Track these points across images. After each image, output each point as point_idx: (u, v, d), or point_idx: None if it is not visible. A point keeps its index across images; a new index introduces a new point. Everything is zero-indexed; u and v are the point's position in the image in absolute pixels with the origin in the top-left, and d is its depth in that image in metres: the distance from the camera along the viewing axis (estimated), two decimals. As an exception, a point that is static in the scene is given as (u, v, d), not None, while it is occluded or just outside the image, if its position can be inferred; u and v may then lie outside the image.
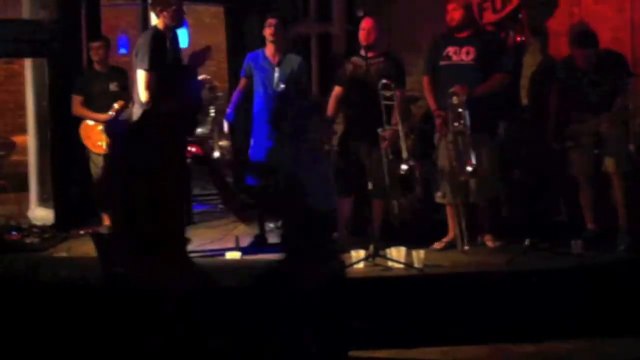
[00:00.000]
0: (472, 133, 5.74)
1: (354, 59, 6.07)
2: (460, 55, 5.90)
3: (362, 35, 6.01)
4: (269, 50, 6.21)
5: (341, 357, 4.15)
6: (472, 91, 5.75)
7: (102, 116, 6.77)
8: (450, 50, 5.93)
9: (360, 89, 5.98)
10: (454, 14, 5.92)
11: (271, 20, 6.16)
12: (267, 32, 6.17)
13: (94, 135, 6.80)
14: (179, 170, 4.13)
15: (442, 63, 5.96)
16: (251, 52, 6.37)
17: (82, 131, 6.85)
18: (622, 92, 5.92)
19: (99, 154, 6.76)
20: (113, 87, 6.58)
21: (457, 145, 5.83)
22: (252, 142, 6.27)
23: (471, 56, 5.88)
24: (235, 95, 6.33)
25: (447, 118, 5.82)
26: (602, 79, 5.91)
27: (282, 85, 6.11)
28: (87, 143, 6.84)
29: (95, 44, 6.92)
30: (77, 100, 6.84)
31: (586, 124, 5.96)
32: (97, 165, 6.78)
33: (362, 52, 5.97)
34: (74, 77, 6.95)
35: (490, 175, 5.91)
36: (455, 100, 5.75)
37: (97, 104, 6.82)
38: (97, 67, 6.91)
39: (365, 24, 6.03)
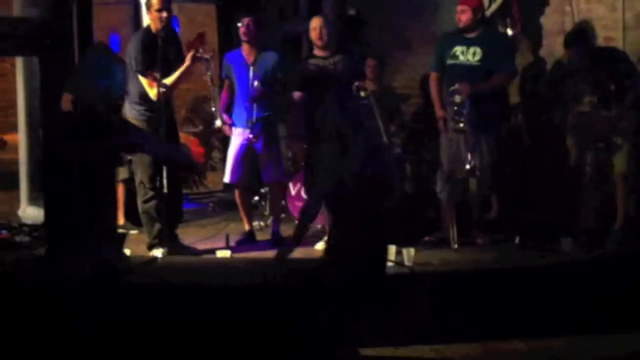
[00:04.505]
0: (472, 131, 5.74)
1: (312, 61, 6.04)
2: (467, 55, 5.91)
3: (314, 35, 6.00)
4: (245, 49, 6.20)
5: (330, 355, 4.15)
6: (473, 89, 5.74)
7: None
8: (458, 49, 5.94)
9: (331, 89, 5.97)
10: (462, 16, 5.92)
11: (244, 19, 6.13)
12: (240, 31, 6.15)
13: None
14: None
15: (449, 62, 5.97)
16: (228, 52, 6.37)
17: None
18: (633, 89, 5.88)
19: None
20: None
21: (457, 143, 5.84)
22: (231, 139, 6.29)
23: (477, 57, 5.88)
24: (222, 98, 6.36)
25: (447, 116, 5.83)
26: (601, 76, 5.89)
27: (257, 84, 6.08)
28: None
29: None
30: (67, 98, 6.82)
31: (596, 119, 5.92)
32: None
33: (318, 53, 5.99)
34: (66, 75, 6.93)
35: (487, 173, 5.90)
36: (457, 98, 5.76)
37: None
38: None
39: (315, 23, 6.02)
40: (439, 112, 5.98)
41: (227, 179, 6.32)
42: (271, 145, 6.25)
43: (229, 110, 6.33)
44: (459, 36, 5.98)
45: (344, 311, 4.25)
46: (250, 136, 6.08)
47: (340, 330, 4.27)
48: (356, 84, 5.75)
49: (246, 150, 6.18)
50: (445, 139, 5.96)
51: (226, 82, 6.34)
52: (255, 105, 6.08)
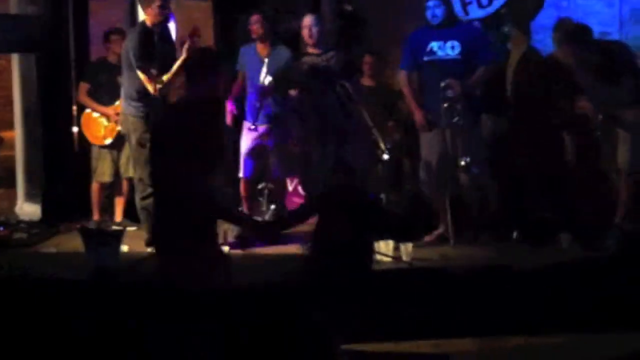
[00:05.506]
0: (466, 127, 5.73)
1: (306, 58, 6.07)
2: (446, 49, 5.86)
3: (305, 33, 6.04)
4: (258, 44, 6.25)
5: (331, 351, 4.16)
6: (466, 84, 5.73)
7: (104, 108, 6.72)
8: (434, 45, 5.88)
9: (325, 86, 5.99)
10: (437, 11, 5.86)
11: (254, 17, 6.21)
12: (252, 29, 6.21)
13: (94, 125, 6.77)
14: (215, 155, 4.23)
15: (425, 59, 5.89)
16: (244, 46, 6.40)
17: (83, 120, 6.83)
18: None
19: (94, 145, 6.76)
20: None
21: (445, 141, 5.82)
22: (243, 134, 6.32)
23: (457, 50, 5.84)
24: (234, 89, 6.39)
25: (436, 113, 5.81)
26: (604, 71, 5.85)
27: (269, 79, 6.10)
28: (86, 133, 6.82)
29: (113, 37, 6.81)
30: (82, 87, 6.82)
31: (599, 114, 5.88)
32: (96, 159, 6.76)
33: (311, 50, 6.01)
34: (63, 71, 6.96)
35: (484, 169, 5.90)
36: (449, 93, 5.74)
37: (104, 95, 6.76)
38: (110, 58, 6.84)
39: (306, 21, 6.07)
40: (416, 111, 5.91)
41: (240, 173, 6.33)
42: (282, 142, 6.27)
43: (237, 102, 6.36)
44: (432, 32, 5.90)
45: (333, 306, 4.26)
46: (252, 127, 6.11)
47: (331, 327, 4.28)
48: (341, 82, 5.78)
49: (258, 145, 6.21)
50: (433, 137, 5.88)
51: (240, 74, 6.36)
52: (266, 100, 6.11)
